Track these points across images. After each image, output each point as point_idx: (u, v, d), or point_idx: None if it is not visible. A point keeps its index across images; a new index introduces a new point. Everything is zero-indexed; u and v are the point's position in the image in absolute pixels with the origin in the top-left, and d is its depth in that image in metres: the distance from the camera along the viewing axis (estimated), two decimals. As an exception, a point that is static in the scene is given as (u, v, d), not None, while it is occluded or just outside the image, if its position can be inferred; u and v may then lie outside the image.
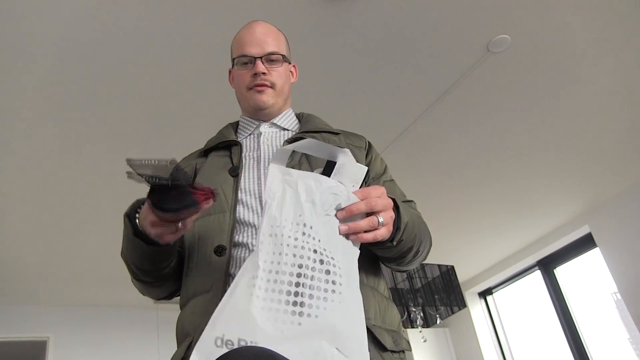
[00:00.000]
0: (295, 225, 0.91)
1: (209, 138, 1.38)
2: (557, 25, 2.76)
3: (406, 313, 4.37)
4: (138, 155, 0.83)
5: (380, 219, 0.95)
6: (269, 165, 1.17)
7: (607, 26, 2.81)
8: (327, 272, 0.87)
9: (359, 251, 0.94)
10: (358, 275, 0.91)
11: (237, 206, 1.13)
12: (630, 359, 4.79)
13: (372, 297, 1.07)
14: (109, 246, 3.59)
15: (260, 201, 1.13)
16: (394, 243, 1.03)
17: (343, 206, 0.93)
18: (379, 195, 0.96)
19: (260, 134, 1.29)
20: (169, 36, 2.47)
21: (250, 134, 1.32)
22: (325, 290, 0.85)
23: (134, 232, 1.02)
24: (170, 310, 5.24)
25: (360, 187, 0.96)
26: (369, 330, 1.01)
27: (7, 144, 2.98)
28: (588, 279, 5.23)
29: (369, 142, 1.35)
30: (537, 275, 5.62)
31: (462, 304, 4.78)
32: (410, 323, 4.39)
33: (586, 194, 4.66)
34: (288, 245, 0.89)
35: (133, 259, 1.10)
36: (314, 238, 0.90)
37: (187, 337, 1.06)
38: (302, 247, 0.88)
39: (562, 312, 5.28)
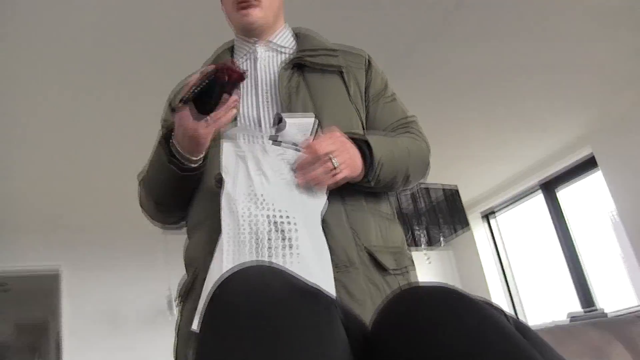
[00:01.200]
0: (247, 198, 0.98)
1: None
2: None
3: (410, 234, 4.45)
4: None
5: (335, 161, 0.98)
6: (267, 91, 1.16)
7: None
8: (283, 236, 0.94)
9: (324, 198, 1.01)
10: (319, 220, 0.99)
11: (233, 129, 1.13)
12: (621, 275, 4.91)
13: (371, 220, 1.09)
14: (117, 175, 3.63)
15: (260, 127, 1.12)
16: (371, 181, 1.05)
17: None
18: (327, 141, 1.00)
19: (257, 58, 1.25)
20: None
21: (246, 58, 1.28)
22: (284, 256, 0.93)
23: (168, 159, 1.06)
24: (177, 236, 5.29)
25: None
26: (370, 254, 1.02)
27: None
28: (589, 200, 5.26)
29: (369, 57, 1.32)
30: (539, 197, 5.65)
31: (465, 224, 4.85)
32: (414, 243, 4.47)
33: (589, 115, 4.60)
34: (243, 218, 0.96)
35: (158, 187, 1.14)
36: (266, 205, 0.97)
37: (191, 267, 1.09)
38: (256, 217, 0.96)
39: (562, 234, 5.35)
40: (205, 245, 1.04)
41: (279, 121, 1.01)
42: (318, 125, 1.05)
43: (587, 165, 5.03)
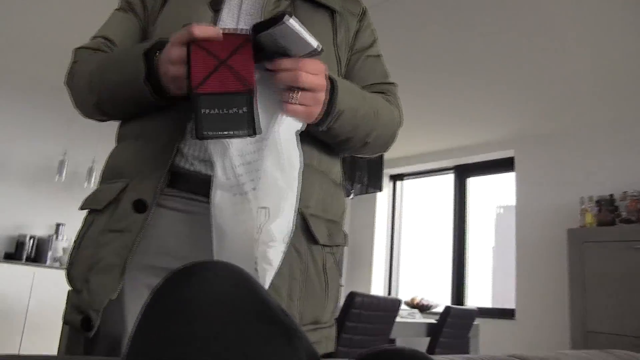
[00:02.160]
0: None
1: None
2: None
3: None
4: None
5: (295, 97, 0.87)
6: (250, 13, 1.04)
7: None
8: (249, 169, 0.86)
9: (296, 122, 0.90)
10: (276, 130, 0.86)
11: None
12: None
13: (317, 183, 1.01)
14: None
15: None
16: (324, 128, 0.96)
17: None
18: (312, 72, 0.88)
19: None
20: None
21: None
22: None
23: (146, 75, 0.91)
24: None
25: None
26: (304, 220, 0.96)
27: None
28: (492, 193, 5.57)
29: (365, 8, 1.22)
30: (449, 177, 5.85)
31: (379, 188, 4.93)
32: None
33: (523, 122, 4.78)
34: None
35: (111, 93, 0.99)
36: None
37: (121, 178, 0.97)
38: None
39: (459, 221, 5.62)
40: (152, 160, 0.94)
41: (281, 18, 0.80)
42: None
43: (505, 165, 5.24)
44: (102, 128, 5.16)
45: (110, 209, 0.94)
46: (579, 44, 3.50)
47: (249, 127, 0.80)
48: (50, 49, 4.38)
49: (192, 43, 0.83)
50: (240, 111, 0.80)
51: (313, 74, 0.88)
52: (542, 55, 3.65)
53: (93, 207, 0.98)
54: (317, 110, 0.91)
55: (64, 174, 4.88)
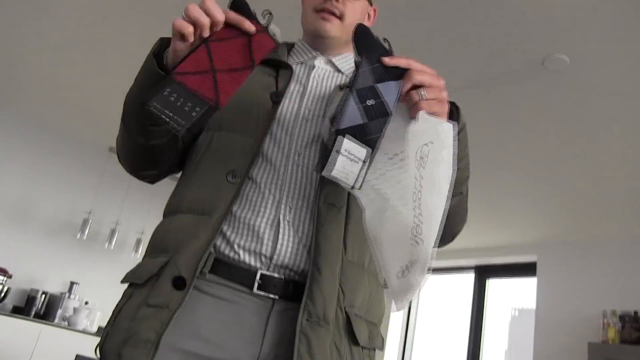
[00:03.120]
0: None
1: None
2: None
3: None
4: None
5: (422, 93, 0.86)
6: (312, 103, 1.07)
7: None
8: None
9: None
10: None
11: (266, 137, 1.02)
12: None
13: (366, 284, 1.00)
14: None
15: (291, 139, 1.03)
16: (460, 126, 0.93)
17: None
18: (427, 70, 0.89)
19: (314, 67, 1.16)
20: None
21: (302, 63, 1.18)
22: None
23: (154, 63, 0.91)
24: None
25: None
26: (348, 320, 0.94)
27: None
28: (512, 301, 5.40)
29: None
30: (469, 277, 5.75)
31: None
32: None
33: (550, 227, 4.74)
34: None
35: (141, 97, 0.94)
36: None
37: (163, 254, 0.96)
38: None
39: (475, 318, 5.46)
40: (195, 236, 0.94)
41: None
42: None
43: (527, 269, 5.16)
44: (129, 192, 5.20)
45: (150, 283, 0.93)
46: (615, 153, 3.52)
47: (185, 125, 0.81)
48: (86, 106, 4.52)
49: (208, 40, 0.86)
50: (193, 112, 0.81)
51: (429, 72, 0.89)
52: (576, 162, 3.67)
53: (134, 280, 0.97)
54: (446, 106, 0.90)
55: (86, 232, 4.91)
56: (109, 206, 5.21)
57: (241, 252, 0.95)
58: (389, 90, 0.87)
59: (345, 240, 0.97)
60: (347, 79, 1.16)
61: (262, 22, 0.91)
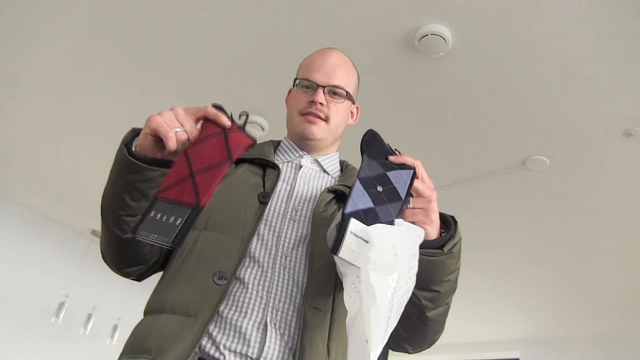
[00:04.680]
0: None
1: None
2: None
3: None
4: None
5: (409, 201, 0.90)
6: (299, 203, 1.09)
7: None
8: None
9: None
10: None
11: (253, 237, 1.03)
12: None
13: None
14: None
15: (278, 240, 1.03)
16: (445, 249, 0.94)
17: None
18: (424, 179, 0.93)
19: (301, 166, 1.19)
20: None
21: (289, 163, 1.21)
22: None
23: (126, 153, 0.93)
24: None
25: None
26: None
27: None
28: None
29: None
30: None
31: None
32: None
33: (534, 325, 4.71)
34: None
35: (117, 190, 0.97)
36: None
37: (145, 354, 0.93)
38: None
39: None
40: (179, 338, 0.91)
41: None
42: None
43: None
44: (109, 277, 5.10)
45: None
46: (597, 250, 3.57)
47: (172, 237, 0.80)
48: (69, 189, 4.50)
49: (188, 148, 0.88)
50: (177, 222, 0.81)
51: (425, 180, 0.92)
52: (559, 260, 3.71)
53: None
54: (432, 217, 0.92)
55: (61, 316, 4.76)
56: (87, 290, 5.09)
57: (227, 352, 0.93)
58: (399, 178, 0.91)
59: (329, 344, 0.96)
60: (334, 181, 1.19)
61: (239, 122, 0.93)
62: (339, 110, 1.21)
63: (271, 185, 1.10)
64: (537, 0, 2.14)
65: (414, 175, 0.92)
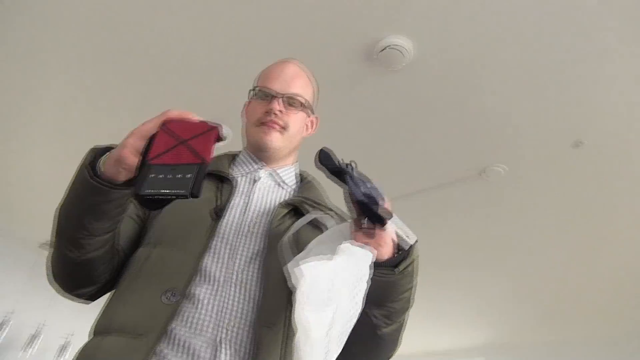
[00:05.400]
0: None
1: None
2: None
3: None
4: None
5: (364, 222, 0.89)
6: (255, 217, 1.06)
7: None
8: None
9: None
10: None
11: (206, 253, 0.98)
12: None
13: None
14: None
15: (234, 255, 1.00)
16: (397, 269, 0.92)
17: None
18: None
19: (258, 178, 1.16)
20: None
21: (246, 175, 1.17)
22: None
23: (90, 174, 0.87)
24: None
25: None
26: None
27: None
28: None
29: None
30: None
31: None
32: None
33: (497, 330, 4.78)
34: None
35: (79, 211, 0.92)
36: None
37: None
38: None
39: None
40: (123, 358, 0.86)
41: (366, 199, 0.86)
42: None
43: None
44: (56, 295, 4.93)
45: None
46: (558, 256, 3.64)
47: (190, 189, 0.76)
48: (17, 200, 4.32)
49: (161, 127, 0.84)
50: (187, 176, 0.77)
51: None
52: (519, 266, 3.76)
53: None
54: (387, 239, 0.91)
55: (3, 335, 4.53)
56: (34, 306, 4.86)
57: None
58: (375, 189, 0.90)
59: None
60: (290, 194, 1.18)
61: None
62: (296, 119, 1.20)
63: (226, 199, 1.07)
64: (493, 14, 2.17)
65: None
